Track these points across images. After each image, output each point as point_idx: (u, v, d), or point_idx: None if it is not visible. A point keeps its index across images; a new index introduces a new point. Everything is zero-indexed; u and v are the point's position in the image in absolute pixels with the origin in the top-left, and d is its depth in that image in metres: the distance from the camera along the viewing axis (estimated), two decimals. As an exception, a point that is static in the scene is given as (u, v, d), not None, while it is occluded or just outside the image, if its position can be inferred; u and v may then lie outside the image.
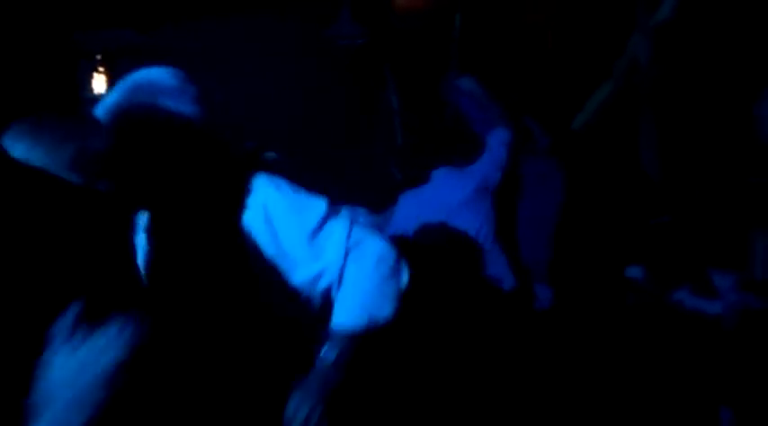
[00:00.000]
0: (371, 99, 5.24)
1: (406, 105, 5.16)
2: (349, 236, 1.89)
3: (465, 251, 3.47)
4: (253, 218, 1.88)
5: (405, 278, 1.93)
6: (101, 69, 4.41)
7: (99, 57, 4.41)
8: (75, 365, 1.54)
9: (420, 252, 3.32)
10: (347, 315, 1.87)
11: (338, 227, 1.90)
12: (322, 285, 1.90)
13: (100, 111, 1.89)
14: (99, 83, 4.42)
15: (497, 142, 3.63)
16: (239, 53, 4.76)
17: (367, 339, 1.86)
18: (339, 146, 4.44)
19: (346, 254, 1.88)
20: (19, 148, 1.80)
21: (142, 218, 2.00)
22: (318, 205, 1.93)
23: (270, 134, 4.35)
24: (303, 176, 2.28)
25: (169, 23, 4.71)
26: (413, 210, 3.55)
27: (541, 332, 3.48)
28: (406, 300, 1.92)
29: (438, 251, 3.42)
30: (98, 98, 4.40)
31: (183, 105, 1.91)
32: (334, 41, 5.06)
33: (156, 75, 1.94)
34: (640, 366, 3.16)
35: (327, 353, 1.85)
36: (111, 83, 4.41)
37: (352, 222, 1.93)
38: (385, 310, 1.88)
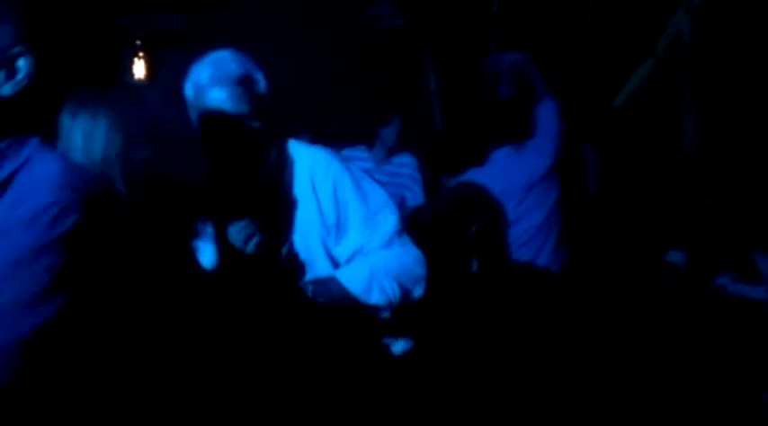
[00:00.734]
0: (410, 81, 5.22)
1: (444, 87, 5.13)
2: (397, 226, 2.21)
3: (537, 231, 3.44)
4: (324, 189, 2.14)
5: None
6: (141, 54, 4.45)
7: (139, 42, 4.44)
8: None
9: (490, 231, 3.32)
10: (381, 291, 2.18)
11: (391, 215, 2.21)
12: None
13: (188, 92, 2.13)
14: (139, 68, 4.46)
15: (547, 115, 3.51)
16: (278, 35, 4.76)
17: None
18: (376, 129, 4.42)
19: (390, 241, 2.19)
20: (61, 144, 1.85)
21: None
22: (378, 193, 2.22)
23: (307, 116, 4.38)
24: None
25: (209, 6, 4.72)
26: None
27: (582, 315, 3.47)
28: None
29: (506, 231, 3.39)
30: (139, 83, 4.45)
31: (256, 87, 2.12)
32: (373, 22, 5.04)
33: (231, 57, 2.14)
34: (682, 352, 3.15)
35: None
36: (152, 67, 4.46)
37: (400, 214, 2.23)
38: (417, 291, 2.22)
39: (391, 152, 4.39)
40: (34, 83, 1.31)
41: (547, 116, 3.50)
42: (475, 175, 3.51)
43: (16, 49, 1.28)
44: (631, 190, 4.03)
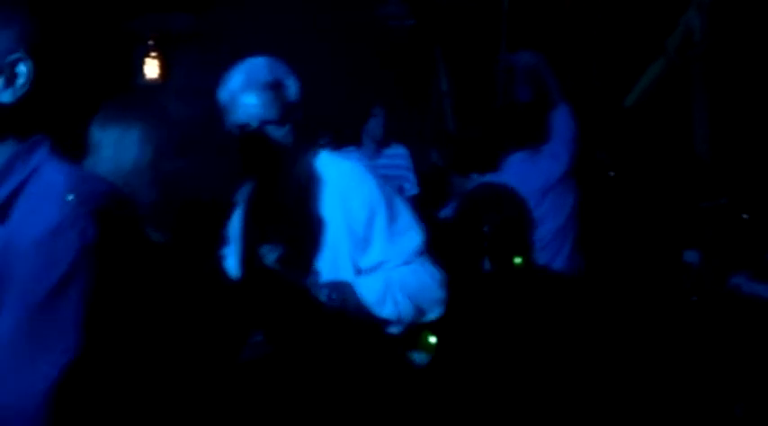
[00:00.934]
0: (421, 81, 5.22)
1: (456, 86, 5.13)
2: (421, 246, 2.20)
3: (554, 236, 3.42)
4: (354, 205, 2.14)
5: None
6: (154, 55, 4.45)
7: (152, 42, 4.44)
8: None
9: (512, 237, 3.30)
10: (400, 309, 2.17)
11: (416, 236, 2.20)
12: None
13: (222, 97, 2.14)
14: (152, 69, 4.45)
15: (562, 119, 3.48)
16: (287, 35, 4.76)
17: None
18: (362, 126, 4.41)
19: (410, 259, 2.18)
20: (89, 159, 1.85)
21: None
22: (407, 214, 2.21)
23: (318, 117, 4.37)
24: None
25: (220, 6, 4.73)
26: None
27: (597, 316, 3.46)
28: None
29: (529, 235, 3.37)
30: (152, 85, 4.45)
31: (287, 93, 2.15)
32: (384, 22, 5.03)
33: (264, 63, 2.17)
34: (697, 354, 3.14)
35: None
36: (166, 68, 4.45)
37: (426, 235, 2.22)
38: (433, 313, 2.22)
39: (380, 146, 4.41)
40: (37, 89, 1.28)
41: (562, 121, 3.48)
42: (489, 180, 3.49)
43: (16, 55, 1.26)
44: (645, 191, 4.02)
